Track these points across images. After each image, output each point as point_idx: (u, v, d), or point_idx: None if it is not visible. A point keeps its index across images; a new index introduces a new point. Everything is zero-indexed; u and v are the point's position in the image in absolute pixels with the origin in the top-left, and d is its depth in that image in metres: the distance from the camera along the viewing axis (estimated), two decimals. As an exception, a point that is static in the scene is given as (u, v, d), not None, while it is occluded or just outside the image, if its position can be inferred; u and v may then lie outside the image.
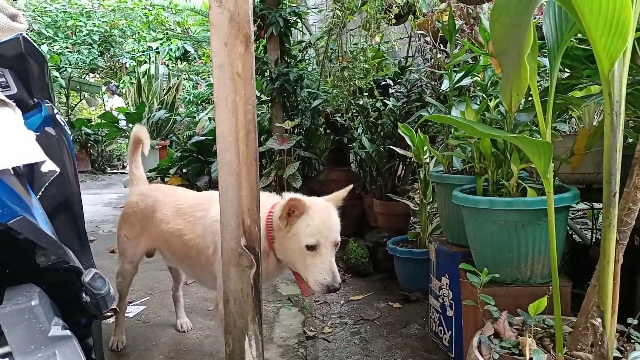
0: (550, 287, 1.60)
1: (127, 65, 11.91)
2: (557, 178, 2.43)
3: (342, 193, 1.90)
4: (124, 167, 11.50)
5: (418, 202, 3.27)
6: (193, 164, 5.02)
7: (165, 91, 6.84)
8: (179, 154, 5.24)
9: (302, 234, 1.68)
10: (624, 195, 1.41)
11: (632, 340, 1.50)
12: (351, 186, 1.95)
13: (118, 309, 2.44)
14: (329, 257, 1.68)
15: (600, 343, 1.32)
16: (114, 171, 11.35)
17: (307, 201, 1.74)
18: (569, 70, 2.10)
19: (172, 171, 5.13)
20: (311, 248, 1.66)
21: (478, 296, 1.72)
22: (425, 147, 2.88)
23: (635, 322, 1.44)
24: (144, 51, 11.57)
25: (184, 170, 5.09)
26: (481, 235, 1.95)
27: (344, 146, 4.34)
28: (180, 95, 7.55)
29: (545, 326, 1.65)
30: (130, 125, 6.32)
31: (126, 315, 2.91)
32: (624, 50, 1.15)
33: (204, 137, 5.00)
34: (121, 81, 12.08)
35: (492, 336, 1.61)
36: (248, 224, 1.53)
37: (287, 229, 1.70)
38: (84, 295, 1.14)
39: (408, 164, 3.83)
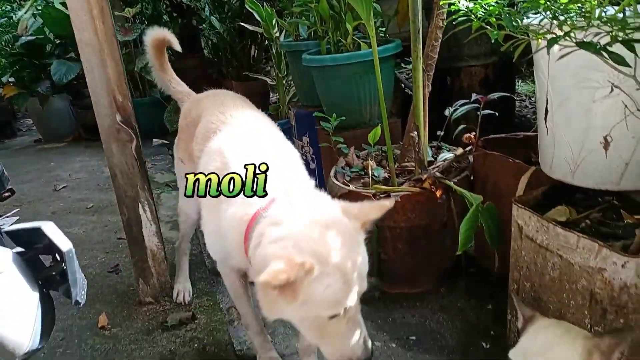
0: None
1: None
2: (387, 34, 2.81)
3: (374, 210, 1.17)
4: None
5: (274, 77, 3.49)
6: (27, 69, 4.52)
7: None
8: (7, 61, 4.64)
9: (318, 304, 1.06)
10: (428, 35, 1.79)
11: (443, 149, 2.01)
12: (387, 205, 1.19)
13: (182, 249, 2.01)
14: (357, 317, 1.13)
15: (417, 150, 1.78)
16: None
17: (314, 256, 1.03)
18: None
19: (4, 80, 4.58)
20: (333, 316, 1.08)
21: (331, 139, 2.09)
22: (274, 20, 3.03)
23: (442, 132, 1.93)
24: None
25: (18, 77, 4.57)
26: (329, 90, 2.28)
27: (194, 31, 4.27)
28: (-14, -8, 6.38)
29: (382, 153, 2.09)
30: None
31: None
32: None
33: (34, 37, 4.47)
34: None
35: (344, 166, 2.02)
36: (120, 100, 1.63)
37: (291, 298, 1.06)
38: (-24, 180, 1.21)
39: (260, 41, 3.95)
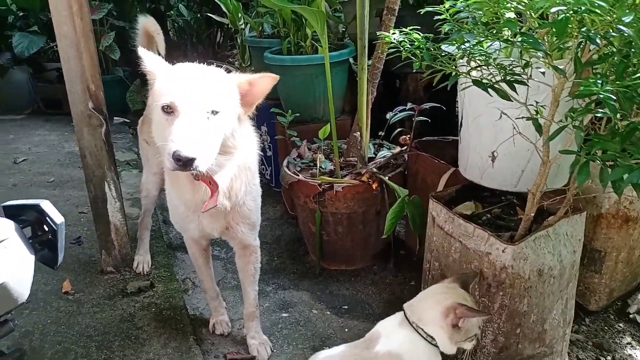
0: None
1: None
2: (348, 37, 3.04)
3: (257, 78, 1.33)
4: None
5: (237, 65, 3.66)
6: (-14, 41, 4.47)
7: None
8: (-35, 29, 4.56)
9: (155, 94, 1.26)
10: (377, 47, 2.03)
11: (383, 147, 2.27)
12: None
13: (144, 224, 2.15)
14: (189, 120, 1.17)
15: (359, 148, 2.03)
16: None
17: (165, 69, 1.30)
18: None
19: (-39, 49, 4.50)
20: (167, 110, 1.20)
21: (286, 132, 2.32)
22: (240, 14, 3.20)
23: (383, 133, 2.19)
24: None
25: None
26: (288, 87, 2.50)
27: (161, 14, 4.35)
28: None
29: (331, 146, 2.34)
30: None
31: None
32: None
33: (-6, 8, 4.41)
34: None
35: (296, 157, 2.25)
36: (93, 89, 1.79)
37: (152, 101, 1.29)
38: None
39: (225, 30, 4.09)
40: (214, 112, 1.20)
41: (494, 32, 1.14)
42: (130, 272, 2.12)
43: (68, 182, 3.12)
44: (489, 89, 1.17)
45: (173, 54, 4.45)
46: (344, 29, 3.06)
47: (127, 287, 2.01)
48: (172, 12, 4.00)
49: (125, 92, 4.38)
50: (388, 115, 2.12)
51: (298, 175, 2.07)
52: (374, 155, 2.17)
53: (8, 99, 4.83)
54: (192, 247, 1.69)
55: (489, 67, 1.18)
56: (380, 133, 2.20)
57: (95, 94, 1.82)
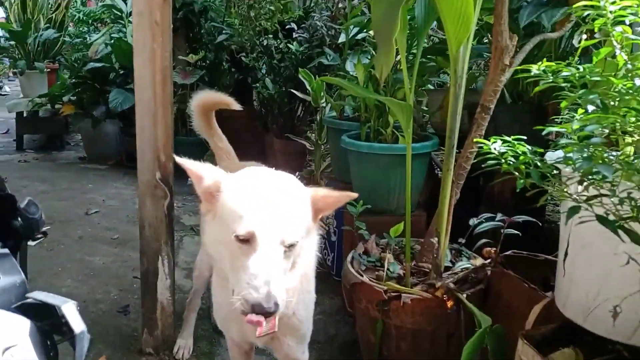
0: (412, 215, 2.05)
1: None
2: (430, 125, 2.90)
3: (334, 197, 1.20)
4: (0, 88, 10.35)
5: (314, 142, 3.60)
6: (88, 92, 4.83)
7: (53, 8, 6.24)
8: (73, 81, 4.98)
9: (225, 215, 1.09)
10: (465, 146, 1.84)
11: (462, 254, 2.01)
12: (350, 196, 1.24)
13: (192, 306, 2.05)
14: (269, 256, 1.02)
15: (435, 255, 1.79)
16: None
17: (231, 178, 1.15)
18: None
19: (65, 99, 4.90)
20: (244, 240, 1.04)
21: (354, 223, 2.13)
22: (322, 93, 3.17)
23: (464, 240, 1.94)
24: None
25: (78, 98, 4.89)
26: (362, 174, 2.35)
27: (247, 85, 4.49)
28: (69, 13, 6.93)
29: (402, 246, 2.11)
30: (13, 42, 5.79)
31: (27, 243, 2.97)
32: (468, 37, 1.51)
33: (101, 65, 4.80)
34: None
35: (362, 253, 2.04)
36: (163, 160, 1.74)
37: (213, 213, 1.14)
38: (18, 220, 1.31)
39: (307, 106, 4.11)
40: (293, 245, 1.06)
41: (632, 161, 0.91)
42: (169, 356, 1.96)
43: (131, 241, 3.10)
44: (617, 232, 0.92)
45: (255, 123, 4.52)
46: (426, 119, 2.92)
47: (161, 374, 1.84)
48: (258, 84, 4.10)
49: (203, 154, 4.46)
50: (471, 222, 1.88)
51: (362, 276, 1.85)
52: (450, 264, 1.91)
53: (97, 150, 5.13)
54: (232, 349, 1.51)
55: (621, 204, 0.94)
56: (460, 240, 1.95)
57: (165, 165, 1.76)
